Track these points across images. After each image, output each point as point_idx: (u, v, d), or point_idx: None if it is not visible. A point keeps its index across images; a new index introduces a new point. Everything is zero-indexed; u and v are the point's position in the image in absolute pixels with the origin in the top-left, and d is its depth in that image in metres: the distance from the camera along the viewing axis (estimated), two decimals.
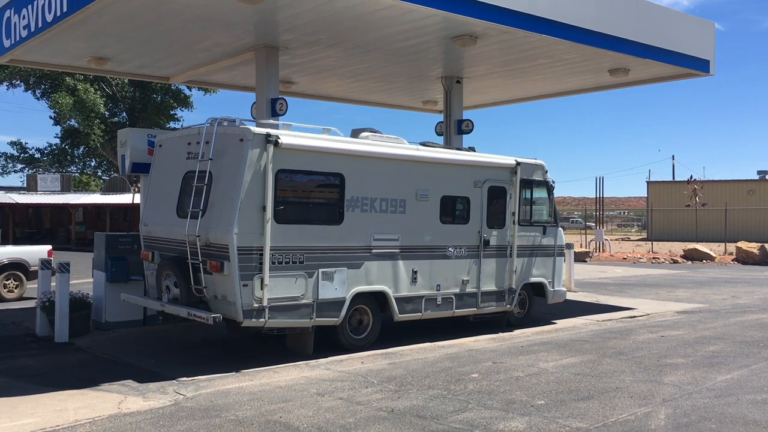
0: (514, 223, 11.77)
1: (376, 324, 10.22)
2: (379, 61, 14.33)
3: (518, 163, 11.92)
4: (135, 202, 26.00)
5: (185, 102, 46.69)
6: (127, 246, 11.37)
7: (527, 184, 12.13)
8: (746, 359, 9.41)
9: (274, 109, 13.00)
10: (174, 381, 8.07)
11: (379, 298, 10.17)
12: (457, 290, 11.01)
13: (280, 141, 8.91)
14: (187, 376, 8.24)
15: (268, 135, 8.86)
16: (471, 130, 15.81)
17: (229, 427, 6.31)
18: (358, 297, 9.83)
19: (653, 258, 32.33)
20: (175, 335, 10.96)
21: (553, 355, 9.63)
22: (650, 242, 40.22)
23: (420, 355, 9.65)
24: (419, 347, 10.15)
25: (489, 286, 11.46)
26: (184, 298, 9.14)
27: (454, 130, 15.76)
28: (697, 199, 38.50)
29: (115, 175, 45.05)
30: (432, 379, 8.15)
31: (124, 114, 46.85)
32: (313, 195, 9.88)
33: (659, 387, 7.85)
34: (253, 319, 8.76)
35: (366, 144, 10.25)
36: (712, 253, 32.35)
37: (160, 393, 7.57)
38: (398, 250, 10.26)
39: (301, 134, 9.54)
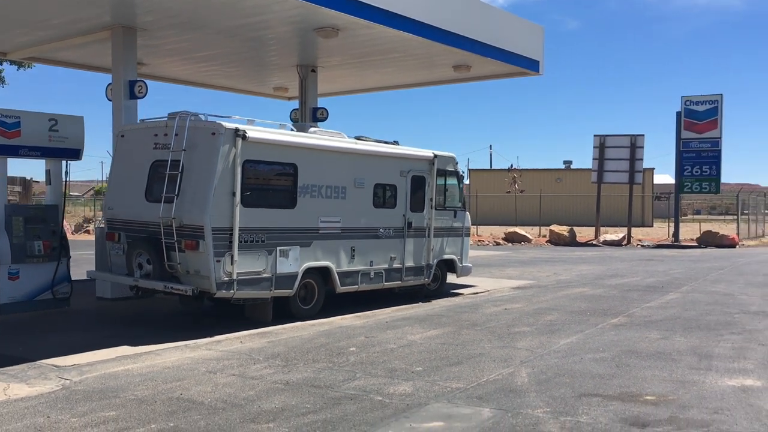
0: (431, 208, 13.38)
1: (321, 295, 11.56)
2: (237, 47, 14.48)
3: (435, 156, 13.49)
4: None
5: None
6: None
7: (442, 173, 13.73)
8: (579, 326, 10.80)
9: (133, 92, 12.78)
10: (53, 367, 7.93)
11: (324, 272, 11.50)
12: (387, 266, 12.55)
13: (247, 135, 9.99)
14: (64, 362, 8.11)
15: (236, 129, 9.96)
16: (326, 118, 16.38)
17: (133, 405, 6.44)
18: (308, 272, 11.12)
19: (479, 240, 34.72)
20: (32, 322, 10.57)
21: (417, 329, 10.47)
22: (475, 226, 42.98)
23: (295, 333, 10.11)
24: (292, 326, 10.59)
25: (411, 263, 13.04)
26: (158, 273, 10.14)
27: (310, 117, 16.25)
28: (516, 186, 41.67)
29: None
30: (314, 354, 8.66)
31: None
32: (273, 182, 11.16)
33: (515, 351, 8.91)
34: (224, 291, 9.91)
35: (316, 138, 11.54)
36: (529, 236, 35.36)
37: (43, 379, 7.45)
38: (340, 231, 11.65)
39: (263, 129, 10.66)
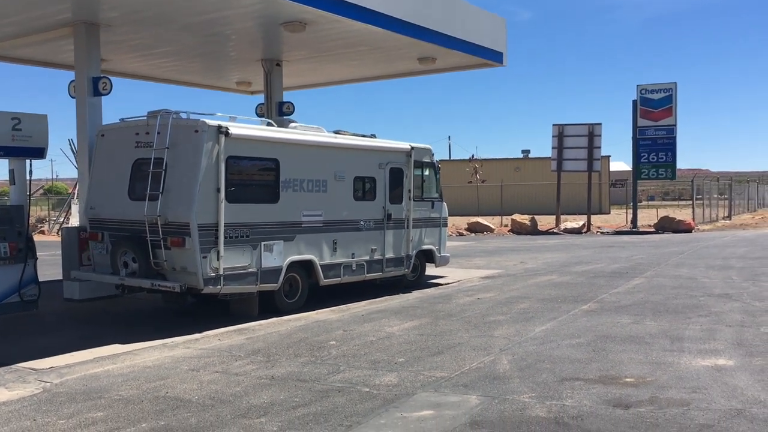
0: (410, 199, 13.66)
1: (304, 289, 11.75)
2: (202, 42, 14.32)
3: (412, 148, 13.75)
4: None
5: None
6: None
7: (419, 165, 14.02)
8: (552, 313, 11.00)
9: (97, 89, 12.57)
10: (31, 370, 7.81)
11: (307, 266, 11.67)
12: (368, 257, 12.76)
13: (230, 132, 10.09)
14: (41, 365, 8.00)
15: (219, 126, 10.04)
16: (292, 112, 16.33)
17: (119, 405, 6.39)
18: (292, 265, 11.29)
19: None
20: (1, 326, 10.36)
21: (393, 321, 10.55)
22: None
23: (272, 329, 10.10)
24: (268, 322, 10.58)
25: (392, 254, 13.33)
26: (143, 271, 10.20)
27: (276, 111, 16.17)
28: (477, 176, 41.99)
29: None
30: (295, 349, 8.67)
31: None
32: (255, 178, 11.21)
33: (493, 339, 9.05)
34: (211, 287, 10.03)
35: (296, 133, 11.75)
36: (491, 226, 35.69)
37: (22, 382, 7.34)
38: (322, 224, 11.84)
39: (245, 125, 10.87)
